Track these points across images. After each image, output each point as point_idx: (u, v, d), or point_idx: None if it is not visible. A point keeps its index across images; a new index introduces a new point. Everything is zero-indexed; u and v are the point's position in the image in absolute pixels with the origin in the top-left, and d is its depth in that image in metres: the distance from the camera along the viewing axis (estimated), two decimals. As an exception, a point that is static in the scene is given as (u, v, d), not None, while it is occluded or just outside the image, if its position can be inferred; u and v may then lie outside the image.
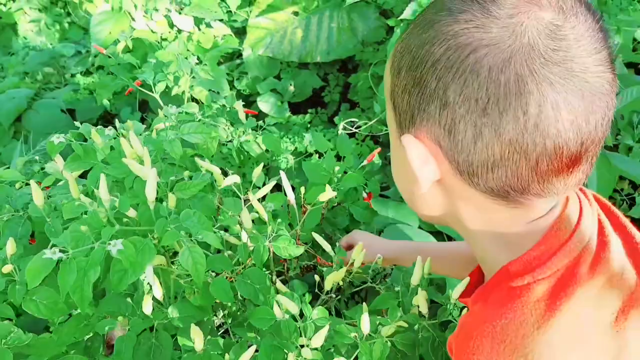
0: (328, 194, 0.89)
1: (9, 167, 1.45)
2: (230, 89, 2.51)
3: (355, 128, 1.96)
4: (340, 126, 1.89)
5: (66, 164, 0.86)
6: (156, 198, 0.71)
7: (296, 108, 2.48)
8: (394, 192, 1.91)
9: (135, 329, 0.78)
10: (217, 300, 0.81)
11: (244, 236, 0.81)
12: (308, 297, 0.83)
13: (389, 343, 0.74)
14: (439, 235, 1.66)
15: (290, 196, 0.96)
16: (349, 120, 1.93)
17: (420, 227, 1.65)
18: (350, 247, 1.07)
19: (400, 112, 0.55)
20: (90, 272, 0.63)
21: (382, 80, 1.93)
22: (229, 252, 0.85)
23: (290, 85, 2.44)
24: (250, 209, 0.85)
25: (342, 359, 0.71)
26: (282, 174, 0.97)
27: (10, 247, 0.73)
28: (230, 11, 2.52)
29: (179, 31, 2.50)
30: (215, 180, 0.85)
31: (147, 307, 0.74)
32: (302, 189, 1.01)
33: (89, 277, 0.63)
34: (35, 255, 0.63)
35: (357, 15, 2.32)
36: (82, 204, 0.72)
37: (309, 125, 2.29)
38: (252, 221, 0.84)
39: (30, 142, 2.15)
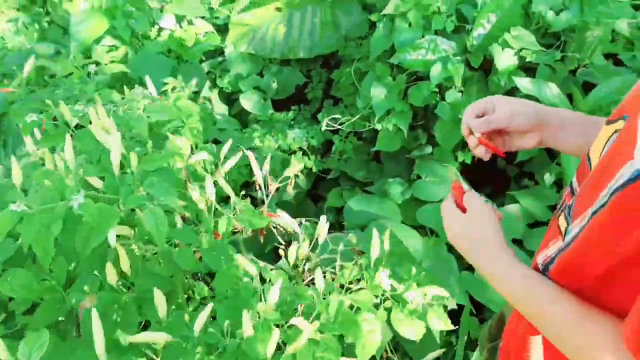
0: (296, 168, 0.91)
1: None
2: (213, 87, 2.49)
3: (339, 125, 1.95)
4: (324, 123, 1.87)
5: (41, 140, 0.87)
6: (123, 171, 0.71)
7: (280, 105, 2.46)
8: (378, 188, 1.91)
9: (102, 301, 0.77)
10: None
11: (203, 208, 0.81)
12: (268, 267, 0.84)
13: (345, 300, 0.75)
14: (422, 228, 1.66)
15: (257, 174, 0.97)
16: (332, 117, 1.91)
17: (403, 222, 1.65)
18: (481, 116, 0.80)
19: None
20: (53, 226, 0.64)
21: (365, 75, 1.92)
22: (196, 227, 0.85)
23: (273, 82, 2.42)
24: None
25: (299, 318, 0.71)
26: (249, 153, 0.97)
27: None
28: (212, 8, 2.49)
29: (161, 29, 2.47)
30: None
31: (111, 276, 0.74)
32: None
33: (51, 231, 0.65)
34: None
35: (341, 10, 2.31)
36: (50, 171, 0.71)
37: (292, 122, 2.28)
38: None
39: (9, 146, 2.11)
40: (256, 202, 2.01)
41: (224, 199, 1.05)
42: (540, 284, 0.65)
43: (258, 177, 0.97)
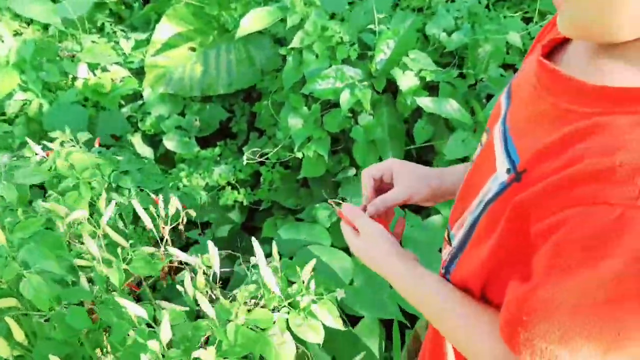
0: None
1: None
2: (135, 131, 2.47)
3: (261, 156, 2.00)
4: (245, 156, 1.91)
5: None
6: None
7: (206, 141, 2.48)
8: (308, 213, 1.96)
9: None
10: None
11: (97, 260, 0.82)
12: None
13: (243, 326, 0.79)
14: (348, 251, 1.72)
15: (145, 219, 1.00)
16: (252, 149, 1.96)
17: (332, 245, 1.71)
18: (379, 182, 0.84)
19: None
20: None
21: (283, 106, 1.99)
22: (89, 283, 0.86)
23: (195, 120, 2.44)
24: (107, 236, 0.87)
25: (200, 350, 0.74)
26: (135, 204, 1.00)
27: None
28: (125, 53, 2.49)
29: (75, 78, 2.43)
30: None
31: (4, 352, 0.74)
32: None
33: None
34: None
35: (254, 45, 2.37)
36: None
37: (218, 158, 2.30)
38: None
39: None
40: (182, 240, 2.00)
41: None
42: (432, 281, 0.70)
43: (145, 220, 0.99)
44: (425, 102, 1.65)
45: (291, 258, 1.59)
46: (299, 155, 1.86)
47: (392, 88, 1.83)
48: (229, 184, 2.17)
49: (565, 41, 0.60)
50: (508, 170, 0.56)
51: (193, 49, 2.43)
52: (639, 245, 0.41)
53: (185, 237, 2.12)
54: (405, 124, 1.90)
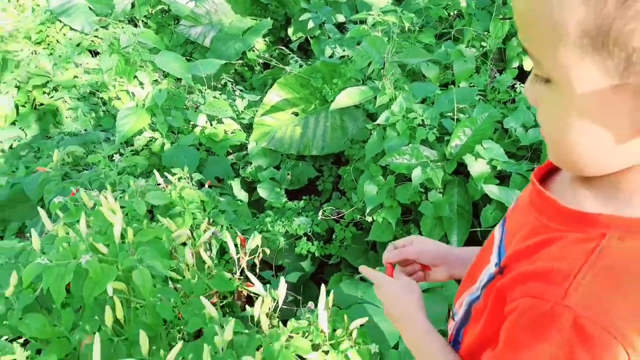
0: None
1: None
2: (236, 176, 2.83)
3: (337, 215, 2.20)
4: (320, 212, 2.13)
5: (64, 217, 1.16)
6: (122, 241, 0.97)
7: (293, 195, 2.76)
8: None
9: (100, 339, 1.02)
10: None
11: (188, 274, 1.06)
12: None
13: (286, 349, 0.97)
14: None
15: (231, 249, 1.22)
16: (329, 207, 2.17)
17: (386, 307, 1.83)
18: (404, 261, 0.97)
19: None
20: (66, 276, 0.89)
21: (362, 174, 2.20)
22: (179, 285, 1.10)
23: (288, 174, 2.73)
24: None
25: (248, 357, 0.92)
26: (227, 236, 1.23)
27: (13, 278, 1.01)
28: (239, 111, 2.89)
29: (194, 126, 2.87)
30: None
31: (108, 320, 0.98)
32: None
33: (64, 280, 0.91)
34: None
35: (348, 116, 2.65)
36: (68, 237, 0.98)
37: (301, 211, 2.54)
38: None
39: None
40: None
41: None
42: (435, 340, 0.83)
43: (231, 250, 1.23)
44: (493, 190, 1.77)
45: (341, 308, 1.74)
46: (368, 219, 2.04)
47: (465, 171, 1.98)
48: (305, 235, 2.39)
49: None
50: (496, 264, 0.71)
51: (296, 114, 2.77)
52: (560, 337, 0.54)
53: (259, 276, 2.36)
54: (474, 207, 2.02)
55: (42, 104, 3.61)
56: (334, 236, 2.38)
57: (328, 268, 2.53)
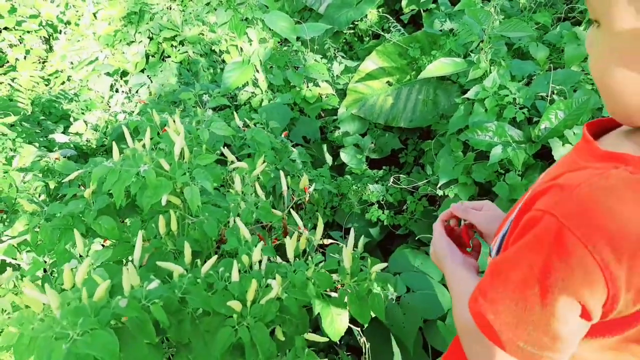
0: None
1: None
2: (323, 139, 2.90)
3: (413, 187, 2.19)
4: (391, 179, 2.13)
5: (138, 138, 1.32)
6: (182, 161, 1.08)
7: (375, 163, 2.77)
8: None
9: (153, 245, 1.16)
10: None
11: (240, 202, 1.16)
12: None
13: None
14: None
15: (283, 184, 1.30)
16: (406, 178, 2.16)
17: (441, 282, 1.80)
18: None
19: None
20: (127, 179, 1.04)
21: (442, 148, 2.15)
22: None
23: (373, 143, 2.75)
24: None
25: (273, 280, 0.99)
26: (281, 173, 1.30)
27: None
28: (335, 75, 2.95)
29: (292, 86, 2.98)
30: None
31: (162, 228, 1.11)
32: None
33: (125, 182, 1.05)
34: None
35: (442, 90, 2.59)
36: (135, 150, 1.12)
37: (378, 179, 2.56)
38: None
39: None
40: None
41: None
42: (469, 270, 0.84)
43: (284, 189, 1.29)
44: (574, 176, 1.64)
45: (395, 274, 1.74)
46: (439, 193, 2.00)
47: (549, 156, 1.85)
48: (378, 202, 2.41)
49: None
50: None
51: (390, 83, 2.76)
52: (540, 246, 0.54)
53: (328, 234, 2.43)
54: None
55: (168, 56, 3.98)
56: (405, 207, 2.37)
57: (396, 239, 2.53)
